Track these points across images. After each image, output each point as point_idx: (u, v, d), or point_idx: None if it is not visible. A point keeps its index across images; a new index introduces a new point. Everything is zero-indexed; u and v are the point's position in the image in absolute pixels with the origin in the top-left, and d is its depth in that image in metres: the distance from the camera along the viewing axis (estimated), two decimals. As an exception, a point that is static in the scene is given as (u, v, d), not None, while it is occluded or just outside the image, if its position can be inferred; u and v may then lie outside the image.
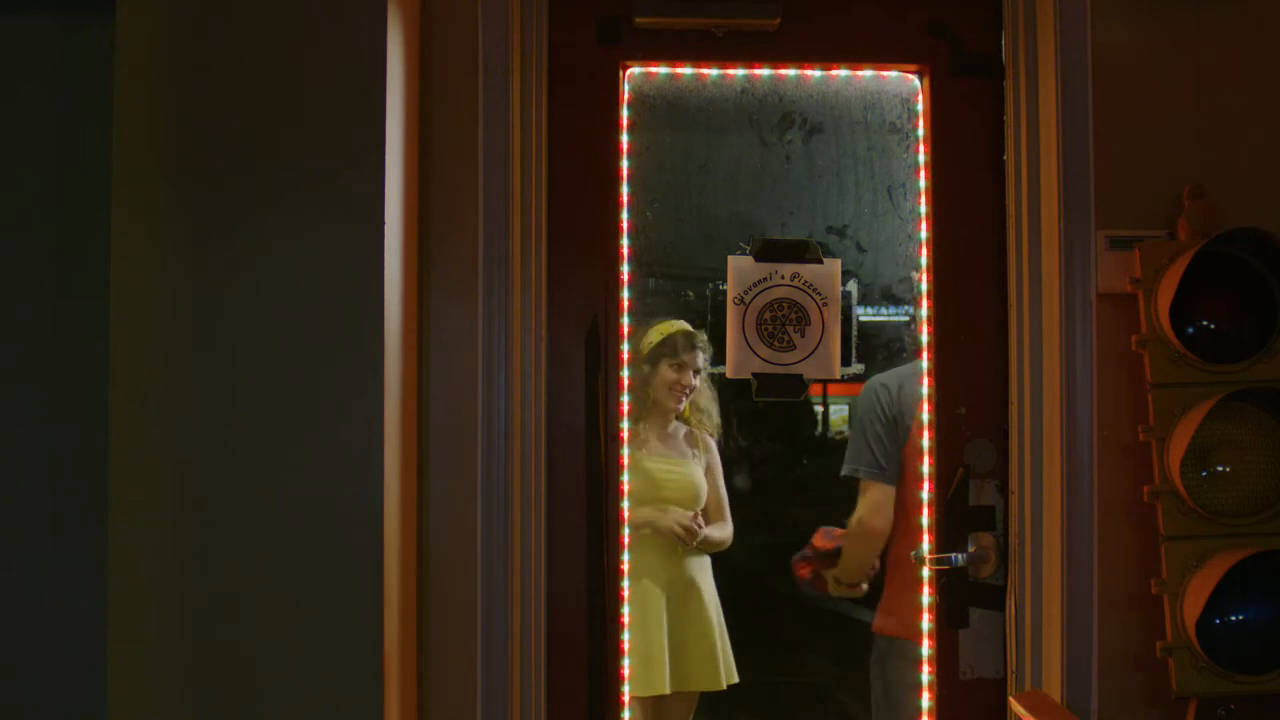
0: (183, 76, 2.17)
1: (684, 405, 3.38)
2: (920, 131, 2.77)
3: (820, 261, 2.80)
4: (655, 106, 2.86)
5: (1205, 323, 2.51)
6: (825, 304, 2.79)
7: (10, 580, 2.49)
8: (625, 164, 2.72)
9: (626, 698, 2.69)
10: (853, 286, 3.02)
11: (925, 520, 2.71)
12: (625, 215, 2.72)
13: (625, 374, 2.70)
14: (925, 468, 2.71)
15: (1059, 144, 2.55)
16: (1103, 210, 2.54)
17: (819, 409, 3.69)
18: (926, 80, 2.74)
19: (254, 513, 2.14)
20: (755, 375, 2.79)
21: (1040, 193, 2.60)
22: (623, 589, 2.67)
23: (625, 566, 2.69)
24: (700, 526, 3.30)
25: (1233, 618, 2.44)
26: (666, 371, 3.31)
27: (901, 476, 2.96)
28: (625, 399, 2.69)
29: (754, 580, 3.59)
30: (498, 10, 2.55)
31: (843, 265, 2.84)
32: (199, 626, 2.13)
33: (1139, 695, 2.52)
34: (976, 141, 2.71)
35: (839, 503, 3.09)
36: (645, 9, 2.65)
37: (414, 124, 2.46)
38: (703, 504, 3.39)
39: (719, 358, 2.91)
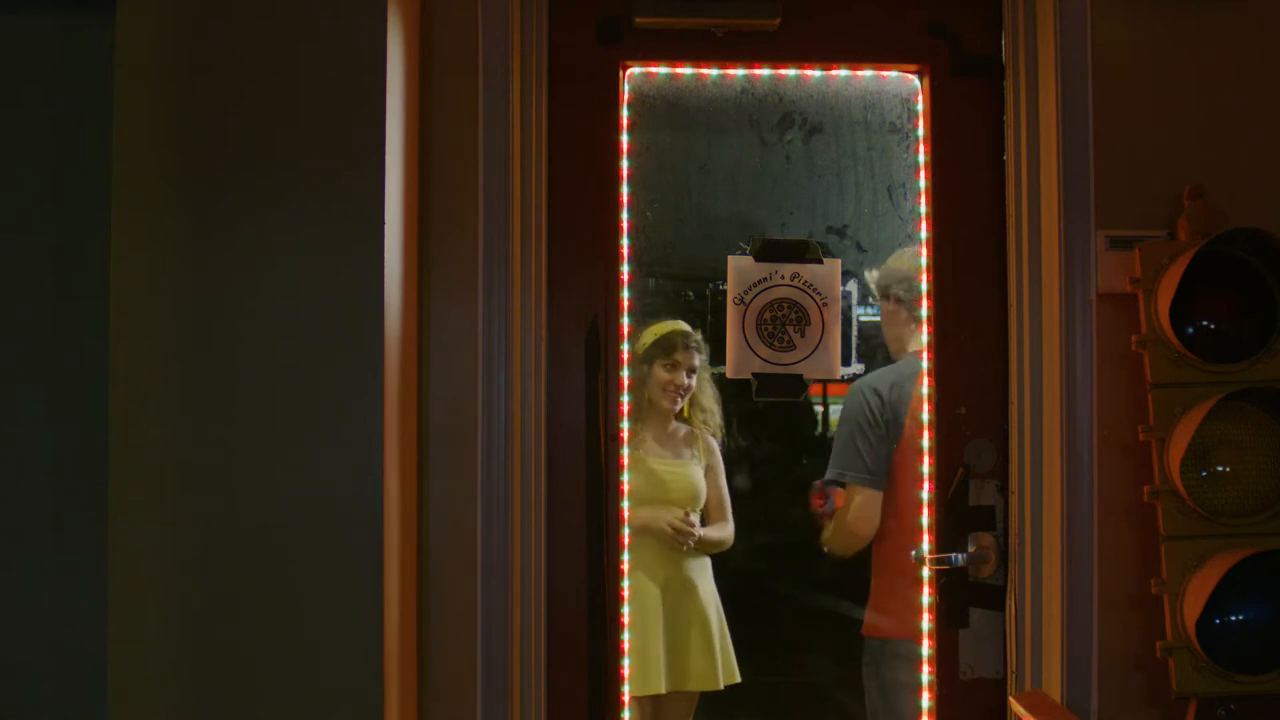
0: (183, 76, 2.17)
1: (680, 405, 3.37)
2: (920, 131, 2.77)
3: (820, 261, 2.80)
4: (655, 106, 2.86)
5: (1205, 323, 2.51)
6: (825, 304, 2.79)
7: (10, 580, 2.49)
8: (625, 164, 2.72)
9: (626, 697, 2.69)
10: (853, 286, 3.02)
11: (925, 520, 2.71)
12: (625, 215, 2.72)
13: (625, 374, 2.70)
14: (925, 468, 2.71)
15: (1059, 144, 2.55)
16: (1103, 210, 2.54)
17: (819, 409, 3.69)
18: (926, 80, 2.74)
19: (254, 513, 2.14)
20: (755, 375, 2.79)
21: (1040, 193, 2.60)
22: (623, 589, 2.67)
23: (625, 566, 2.69)
24: (693, 526, 3.30)
25: (1233, 618, 2.44)
26: (659, 372, 3.30)
27: (890, 480, 2.96)
28: (625, 399, 2.69)
29: (754, 580, 3.60)
30: (498, 10, 2.55)
31: (843, 265, 2.84)
32: (199, 626, 2.13)
33: (1139, 695, 2.52)
34: (976, 141, 2.71)
35: (839, 503, 3.09)
36: (645, 9, 2.65)
37: (414, 124, 2.46)
38: (702, 504, 3.38)
39: (719, 358, 2.91)
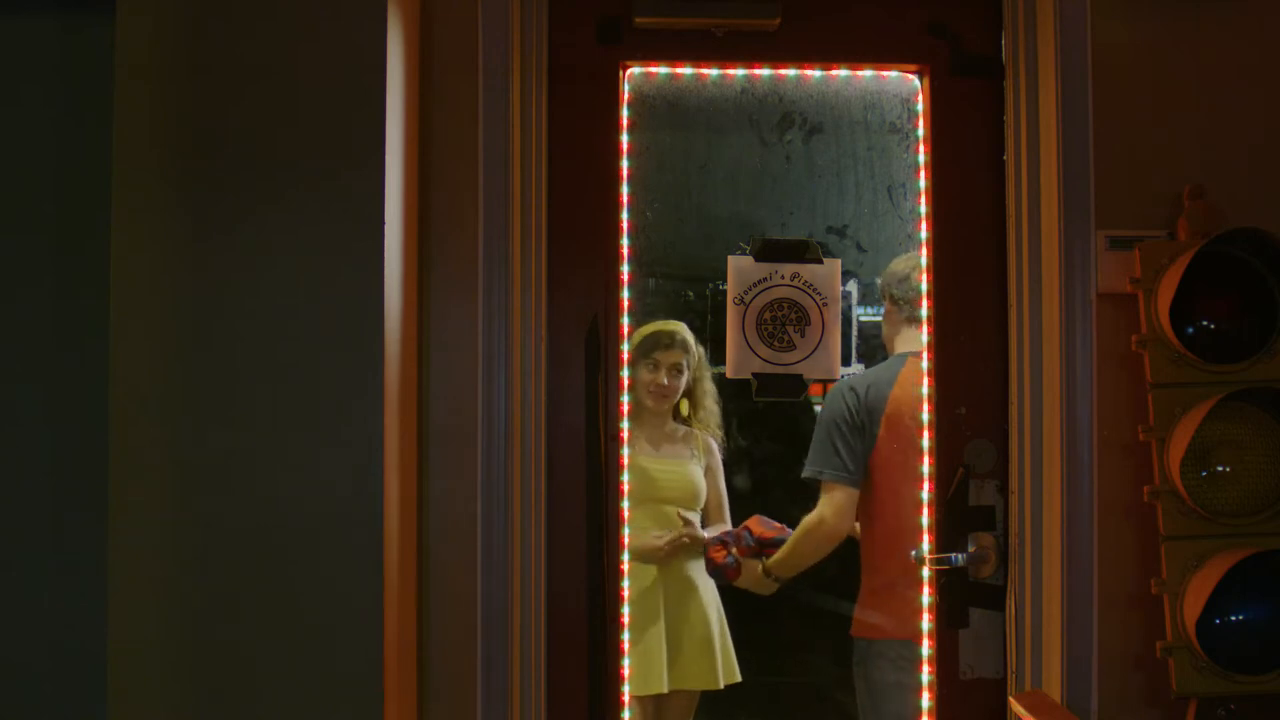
0: (183, 76, 2.17)
1: (667, 406, 3.34)
2: (920, 131, 2.77)
3: (820, 261, 2.80)
4: (655, 106, 2.86)
5: (1205, 323, 2.51)
6: (825, 304, 2.79)
7: (10, 580, 2.49)
8: (625, 164, 2.72)
9: (627, 697, 2.69)
10: (853, 286, 3.02)
11: (925, 520, 2.71)
12: (625, 215, 2.72)
13: (625, 374, 2.70)
14: (925, 468, 2.71)
15: (1059, 144, 2.55)
16: (1103, 210, 2.54)
17: (819, 409, 3.68)
18: (926, 80, 2.74)
19: (254, 513, 2.14)
20: (755, 375, 2.79)
21: (1040, 193, 2.60)
22: (623, 589, 2.67)
23: (625, 566, 2.69)
24: (690, 537, 3.28)
25: (1233, 618, 2.44)
26: (643, 373, 3.28)
27: (867, 480, 2.97)
28: (625, 399, 2.69)
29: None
30: (498, 10, 2.55)
31: (843, 265, 2.85)
32: (199, 626, 2.13)
33: (1139, 695, 2.52)
34: (976, 141, 2.71)
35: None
36: (645, 9, 2.65)
37: (414, 124, 2.46)
38: (702, 504, 3.38)
39: (720, 358, 2.91)
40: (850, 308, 3.00)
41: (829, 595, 3.15)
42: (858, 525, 3.03)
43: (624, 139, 2.72)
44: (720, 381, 3.40)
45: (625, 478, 2.69)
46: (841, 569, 3.10)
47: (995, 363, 2.68)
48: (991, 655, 2.67)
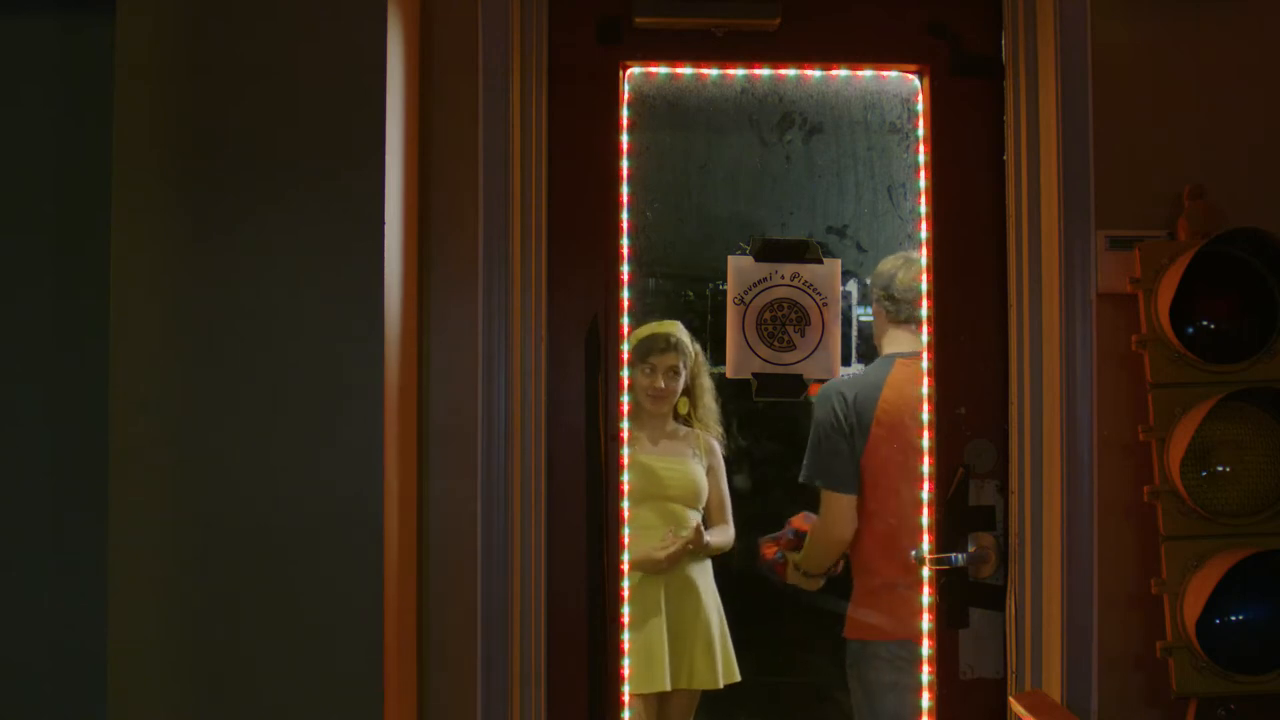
0: (183, 76, 2.17)
1: (666, 408, 3.34)
2: (920, 131, 2.77)
3: (820, 261, 2.80)
4: (655, 106, 2.86)
5: (1205, 323, 2.51)
6: (825, 304, 2.79)
7: (10, 580, 2.49)
8: (625, 164, 2.72)
9: (627, 697, 2.69)
10: (853, 286, 3.02)
11: (925, 520, 2.71)
12: (625, 215, 2.72)
13: (625, 374, 2.70)
14: (925, 468, 2.71)
15: (1059, 144, 2.55)
16: (1103, 210, 2.54)
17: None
18: (926, 80, 2.74)
19: (254, 513, 2.14)
20: (755, 375, 2.79)
21: (1040, 193, 2.60)
22: (623, 589, 2.67)
23: (625, 566, 2.69)
24: (693, 541, 3.28)
25: (1233, 618, 2.44)
26: (640, 377, 3.28)
27: (861, 484, 2.97)
28: (625, 399, 2.69)
29: (754, 580, 3.59)
30: (498, 10, 2.55)
31: (843, 265, 2.84)
32: (199, 626, 2.13)
33: (1139, 695, 2.52)
34: (976, 141, 2.71)
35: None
36: (645, 9, 2.65)
37: (414, 124, 2.46)
38: (703, 503, 3.38)
39: (720, 358, 2.91)
40: (850, 308, 3.00)
41: (830, 595, 3.15)
42: None
43: (624, 139, 2.72)
44: (720, 381, 3.40)
45: (625, 478, 2.69)
46: (845, 570, 3.10)
47: (995, 363, 2.68)
48: (991, 655, 2.67)
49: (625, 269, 2.71)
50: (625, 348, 2.71)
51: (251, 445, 2.14)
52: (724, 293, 2.80)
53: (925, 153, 2.74)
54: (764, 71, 2.84)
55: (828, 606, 3.15)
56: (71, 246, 2.50)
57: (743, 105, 2.98)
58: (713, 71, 2.84)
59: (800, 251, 2.80)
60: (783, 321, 2.78)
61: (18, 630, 2.48)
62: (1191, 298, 2.45)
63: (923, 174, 2.75)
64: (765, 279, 2.78)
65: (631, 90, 2.76)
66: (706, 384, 3.41)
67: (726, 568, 3.42)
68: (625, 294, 2.70)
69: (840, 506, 2.98)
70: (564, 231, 2.67)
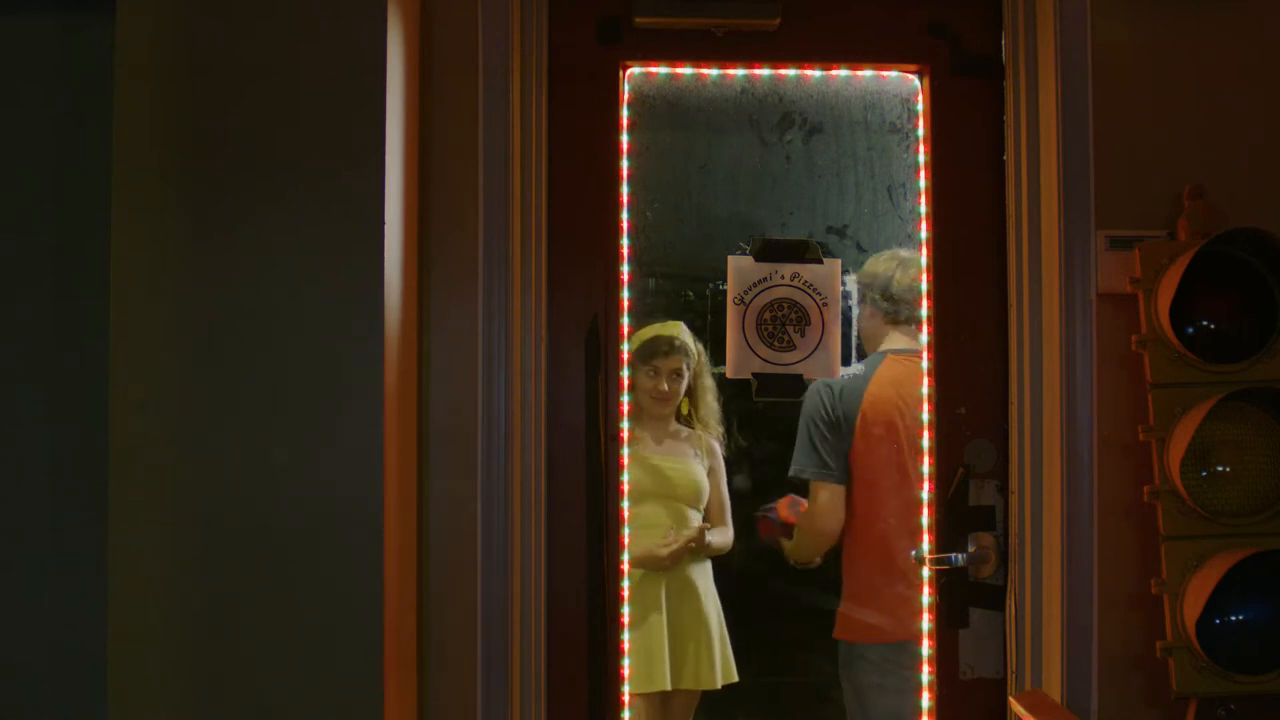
0: (183, 76, 2.17)
1: (669, 410, 3.34)
2: (920, 131, 2.77)
3: (820, 261, 2.80)
4: (655, 106, 2.86)
5: (1205, 323, 2.51)
6: (825, 304, 2.79)
7: (10, 580, 2.49)
8: (625, 164, 2.72)
9: (627, 697, 2.69)
10: (852, 286, 3.02)
11: (925, 520, 2.71)
12: (625, 215, 2.72)
13: (625, 374, 2.70)
14: (925, 468, 2.71)
15: (1059, 144, 2.55)
16: (1103, 210, 2.54)
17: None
18: (926, 80, 2.74)
19: (254, 513, 2.14)
20: (755, 375, 2.79)
21: (1040, 193, 2.60)
22: (623, 589, 2.67)
23: (625, 566, 2.69)
24: (694, 540, 3.28)
25: (1233, 618, 2.44)
26: (643, 379, 3.27)
27: (850, 478, 2.97)
28: (625, 399, 2.69)
29: (754, 580, 3.59)
30: (498, 10, 2.55)
31: (843, 265, 2.84)
32: (199, 626, 2.13)
33: (1139, 695, 2.52)
34: (976, 141, 2.71)
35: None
36: (645, 9, 2.65)
37: (414, 124, 2.46)
38: (705, 502, 3.38)
39: (720, 358, 2.91)
40: (850, 308, 3.00)
41: (830, 595, 3.15)
42: None
43: (624, 139, 2.72)
44: (720, 381, 3.39)
45: (625, 478, 2.69)
46: (837, 568, 3.10)
47: (995, 363, 2.68)
48: (991, 655, 2.67)
49: (625, 269, 2.71)
50: (625, 348, 2.71)
51: (251, 445, 2.14)
52: (724, 293, 2.80)
53: (925, 153, 2.74)
54: (764, 71, 2.84)
55: (827, 606, 3.15)
56: (71, 246, 2.50)
57: (743, 105, 2.97)
58: (713, 71, 2.84)
59: (800, 251, 2.80)
60: (783, 321, 2.78)
61: (18, 630, 2.48)
62: (1191, 298, 2.45)
63: (923, 174, 2.75)
64: (765, 279, 2.78)
65: (631, 90, 2.76)
66: (709, 384, 3.41)
67: (726, 568, 3.42)
68: (625, 294, 2.70)
69: (828, 497, 2.99)
70: (564, 231, 2.67)
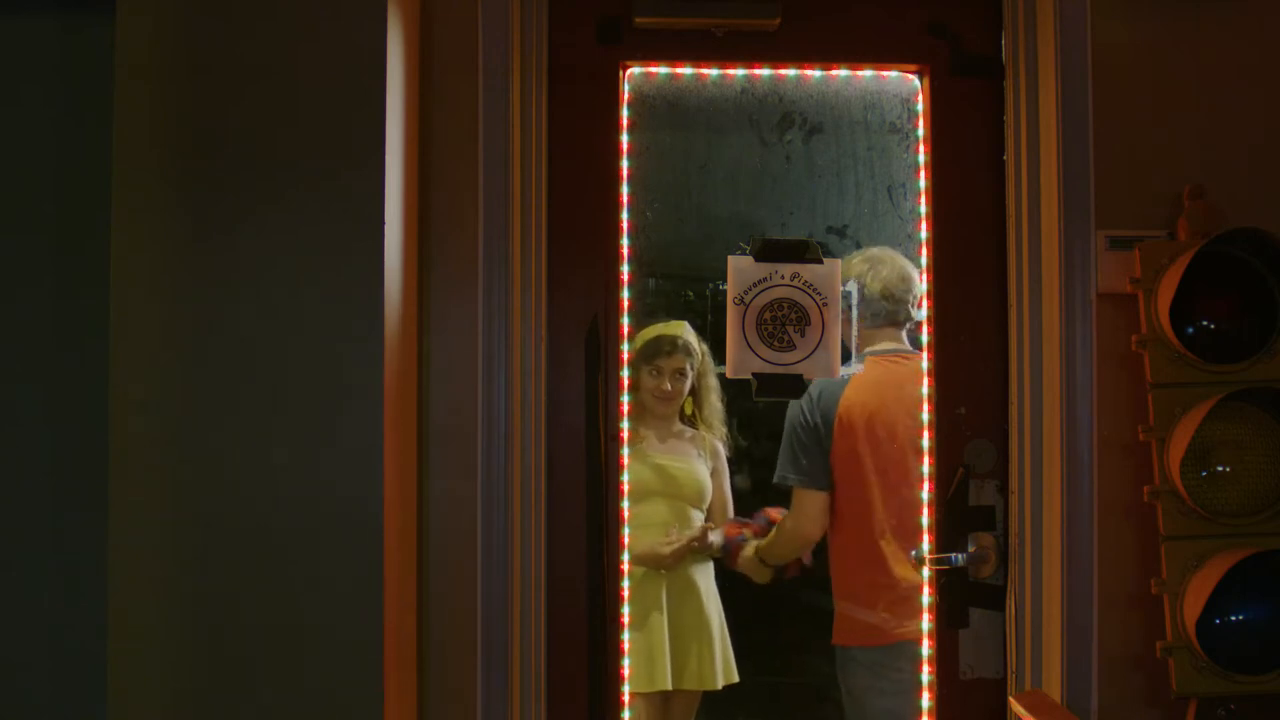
0: (183, 76, 2.17)
1: (672, 410, 3.34)
2: (920, 131, 2.77)
3: (820, 261, 2.80)
4: (655, 106, 2.86)
5: (1205, 323, 2.51)
6: (825, 304, 2.79)
7: (10, 580, 2.49)
8: (625, 164, 2.72)
9: (627, 697, 2.69)
10: (852, 286, 3.02)
11: (925, 520, 2.71)
12: (625, 215, 2.72)
13: (625, 374, 2.70)
14: (925, 467, 2.71)
15: (1059, 144, 2.55)
16: (1103, 210, 2.54)
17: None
18: (926, 80, 2.74)
19: (254, 513, 2.14)
20: (755, 375, 2.79)
21: (1040, 193, 2.60)
22: (623, 589, 2.67)
23: (625, 566, 2.69)
24: (698, 540, 3.28)
25: (1233, 618, 2.44)
26: (646, 378, 3.27)
27: (832, 484, 2.97)
28: (625, 399, 2.69)
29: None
30: (498, 10, 2.55)
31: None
32: (199, 626, 2.13)
33: (1139, 695, 2.52)
34: (976, 141, 2.71)
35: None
36: (645, 9, 2.65)
37: (414, 124, 2.46)
38: (708, 503, 3.38)
39: (720, 358, 2.91)
40: (850, 308, 3.00)
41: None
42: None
43: (624, 139, 2.72)
44: (721, 381, 3.40)
45: (625, 477, 2.69)
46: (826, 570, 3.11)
47: (995, 363, 2.68)
48: (991, 655, 2.67)
49: (625, 269, 2.71)
50: (625, 348, 2.71)
51: (251, 445, 2.14)
52: (724, 293, 2.80)
53: (925, 153, 2.74)
54: (764, 71, 2.84)
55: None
56: (71, 246, 2.50)
57: (743, 105, 2.98)
58: (713, 71, 2.84)
59: (800, 251, 2.80)
60: (783, 321, 2.78)
61: (18, 630, 2.48)
62: (1191, 298, 2.45)
63: (923, 174, 2.75)
64: (765, 279, 2.78)
65: (631, 90, 2.76)
66: (712, 384, 3.41)
67: (727, 569, 3.42)
68: (625, 294, 2.70)
69: (807, 504, 3.00)
70: (564, 231, 2.67)
